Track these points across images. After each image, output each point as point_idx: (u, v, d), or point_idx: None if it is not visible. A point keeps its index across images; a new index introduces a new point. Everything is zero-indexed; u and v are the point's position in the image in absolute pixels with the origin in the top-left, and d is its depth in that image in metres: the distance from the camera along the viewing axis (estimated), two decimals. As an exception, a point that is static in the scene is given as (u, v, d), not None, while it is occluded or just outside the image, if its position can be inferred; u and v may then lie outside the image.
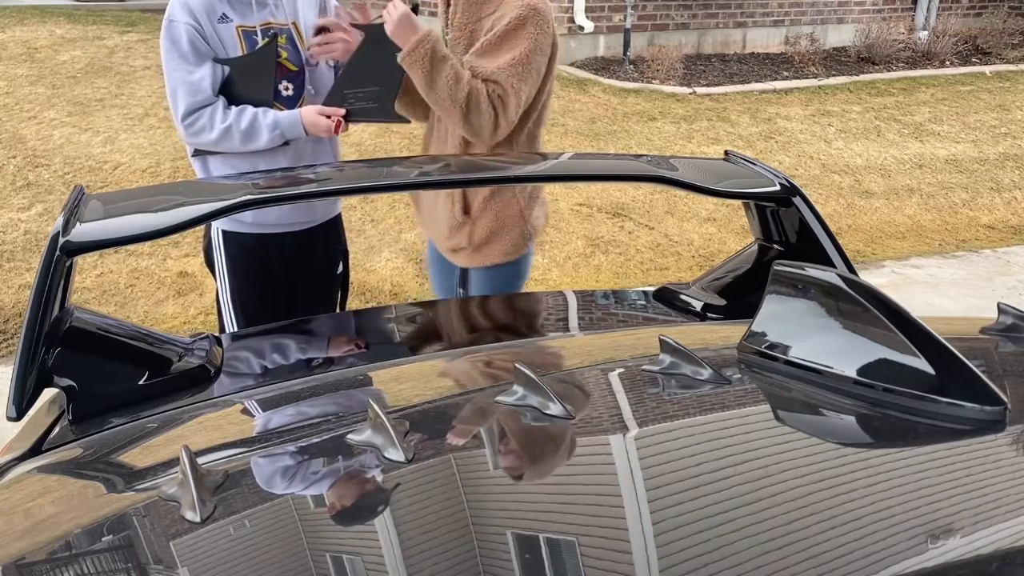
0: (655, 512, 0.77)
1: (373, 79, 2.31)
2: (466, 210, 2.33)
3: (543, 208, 2.49)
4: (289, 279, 2.53)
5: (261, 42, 2.30)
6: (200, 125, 2.25)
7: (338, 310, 2.70)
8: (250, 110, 2.28)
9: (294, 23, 2.37)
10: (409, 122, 2.51)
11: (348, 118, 2.32)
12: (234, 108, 2.27)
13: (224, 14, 2.27)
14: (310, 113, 2.31)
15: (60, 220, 1.29)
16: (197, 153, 2.37)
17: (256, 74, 2.31)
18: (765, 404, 1.03)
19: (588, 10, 8.11)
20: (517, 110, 2.20)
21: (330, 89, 2.34)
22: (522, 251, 2.41)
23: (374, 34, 2.25)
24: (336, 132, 2.32)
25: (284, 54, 2.35)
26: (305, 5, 2.40)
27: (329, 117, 2.29)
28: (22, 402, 1.21)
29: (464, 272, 2.48)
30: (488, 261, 2.38)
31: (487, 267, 2.40)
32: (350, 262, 2.71)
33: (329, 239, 2.56)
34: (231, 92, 2.29)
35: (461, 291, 2.53)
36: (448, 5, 2.33)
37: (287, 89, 2.35)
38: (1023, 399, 0.94)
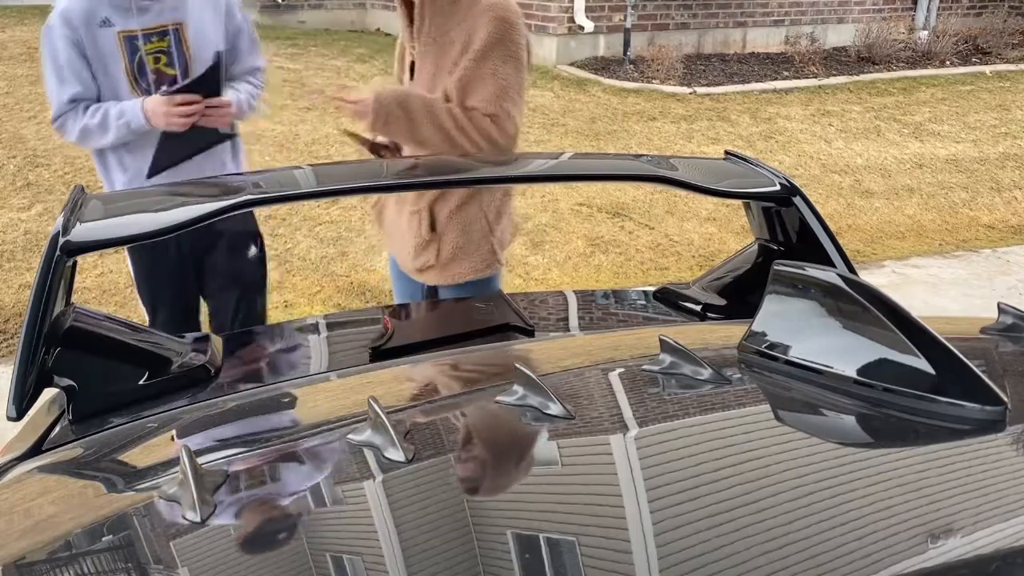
0: (655, 512, 0.77)
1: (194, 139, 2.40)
2: (432, 226, 2.27)
3: (511, 221, 2.42)
4: (195, 260, 2.58)
5: (143, 47, 2.30)
6: (66, 129, 2.38)
7: (261, 294, 2.75)
8: (103, 106, 2.33)
9: (179, 25, 2.34)
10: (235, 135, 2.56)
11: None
12: (90, 107, 2.33)
13: (106, 18, 2.27)
14: (154, 102, 2.29)
15: (60, 220, 1.29)
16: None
17: (204, 92, 2.33)
18: (765, 404, 1.03)
19: (588, 10, 8.11)
20: (516, 128, 2.18)
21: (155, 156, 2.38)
22: (493, 268, 2.34)
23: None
24: (185, 126, 2.31)
25: (163, 59, 2.34)
26: (196, 5, 2.36)
27: (186, 113, 2.27)
28: (22, 402, 1.21)
29: (432, 291, 2.40)
30: (458, 278, 2.31)
31: (458, 284, 2.33)
32: (267, 247, 2.75)
33: (234, 221, 2.53)
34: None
35: None
36: (412, 20, 2.23)
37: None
38: (1023, 399, 0.94)
